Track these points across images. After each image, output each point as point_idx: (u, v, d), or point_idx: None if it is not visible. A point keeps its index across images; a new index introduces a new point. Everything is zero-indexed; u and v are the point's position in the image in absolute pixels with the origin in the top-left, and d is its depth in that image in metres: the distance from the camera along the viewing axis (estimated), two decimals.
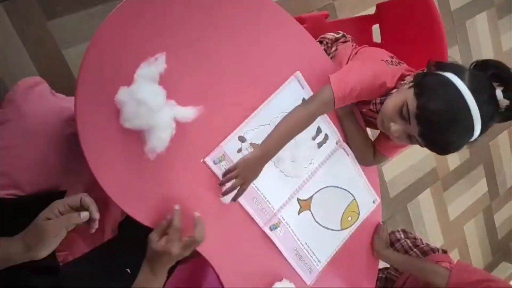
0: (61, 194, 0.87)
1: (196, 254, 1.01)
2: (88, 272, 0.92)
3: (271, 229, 1.08)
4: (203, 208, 0.97)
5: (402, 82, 1.05)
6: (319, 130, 1.13)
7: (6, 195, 0.83)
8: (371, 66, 1.05)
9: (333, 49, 1.27)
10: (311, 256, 1.16)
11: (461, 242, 2.78)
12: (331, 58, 1.24)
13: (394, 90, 1.05)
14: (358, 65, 1.09)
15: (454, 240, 2.72)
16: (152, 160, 0.87)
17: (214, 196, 0.98)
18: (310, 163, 1.13)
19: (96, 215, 0.76)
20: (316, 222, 1.17)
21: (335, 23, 1.52)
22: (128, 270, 0.95)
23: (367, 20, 1.48)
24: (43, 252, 0.73)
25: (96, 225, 0.77)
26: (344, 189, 1.20)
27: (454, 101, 0.90)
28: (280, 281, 1.10)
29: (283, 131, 1.01)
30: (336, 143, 1.17)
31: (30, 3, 1.30)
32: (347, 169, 1.20)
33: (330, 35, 1.30)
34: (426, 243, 1.45)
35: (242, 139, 1.01)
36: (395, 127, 0.98)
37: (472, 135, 0.93)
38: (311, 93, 1.08)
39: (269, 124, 1.03)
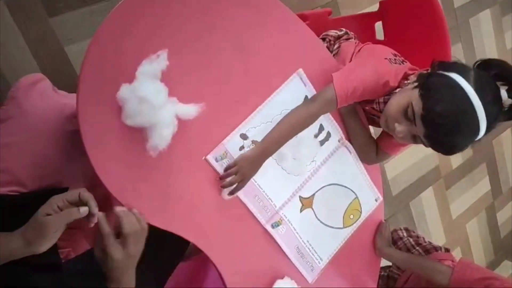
0: (63, 191, 0.87)
1: (198, 252, 1.01)
2: (90, 269, 0.92)
3: (273, 226, 1.08)
4: (205, 205, 0.97)
5: (405, 81, 1.04)
6: (321, 128, 1.13)
7: (8, 191, 0.83)
8: (374, 66, 1.05)
9: (336, 46, 1.26)
10: (313, 254, 1.16)
11: (463, 240, 2.77)
12: (333, 55, 1.23)
13: (398, 90, 1.04)
14: (361, 64, 1.09)
15: (456, 238, 2.72)
16: (154, 158, 0.87)
17: (216, 194, 0.98)
18: (312, 161, 1.13)
19: (95, 210, 0.76)
20: (318, 220, 1.16)
21: (338, 20, 1.52)
22: None
23: (370, 17, 1.47)
24: (43, 247, 0.74)
25: (95, 219, 0.77)
26: (347, 187, 1.20)
27: (460, 103, 0.90)
28: (282, 279, 1.10)
29: (283, 130, 1.01)
30: (339, 141, 1.17)
31: (32, 0, 1.30)
32: (349, 167, 1.20)
33: (333, 32, 1.30)
34: (428, 241, 1.45)
35: (244, 136, 1.00)
36: (400, 127, 0.98)
37: (477, 135, 0.93)
38: (314, 91, 1.08)
39: (271, 122, 1.03)
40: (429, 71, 1.00)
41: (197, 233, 0.97)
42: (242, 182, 0.98)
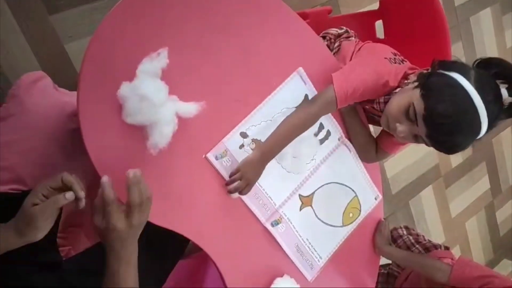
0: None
1: (197, 250, 1.01)
2: (91, 267, 0.92)
3: (272, 225, 1.08)
4: (204, 203, 0.97)
5: (405, 81, 1.04)
6: (321, 127, 1.13)
7: (9, 189, 0.84)
8: (374, 66, 1.05)
9: (336, 44, 1.26)
10: (312, 252, 1.16)
11: (462, 239, 2.78)
12: (334, 53, 1.23)
13: (398, 89, 1.04)
14: (360, 64, 1.09)
15: (456, 237, 2.72)
16: (154, 156, 0.87)
17: (215, 192, 0.99)
18: (312, 160, 1.13)
19: (80, 194, 0.74)
20: (318, 218, 1.17)
21: (338, 19, 1.52)
22: None
23: (371, 16, 1.47)
24: (38, 236, 0.73)
25: (82, 203, 0.75)
26: (346, 186, 1.20)
27: (461, 102, 0.90)
28: (281, 277, 1.10)
29: (284, 132, 1.02)
30: (338, 140, 1.17)
31: None
32: (349, 166, 1.20)
33: (333, 31, 1.30)
34: (428, 239, 1.45)
35: (244, 135, 1.00)
36: (401, 127, 0.98)
37: (479, 134, 0.94)
38: (314, 89, 1.08)
39: (271, 120, 1.03)
40: (429, 70, 1.00)
41: (197, 231, 0.97)
42: (247, 186, 0.99)
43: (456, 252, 2.69)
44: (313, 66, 1.08)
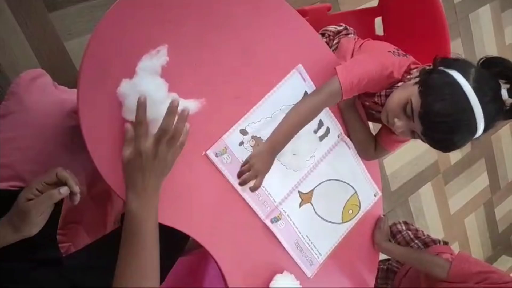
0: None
1: (197, 247, 1.01)
2: (91, 263, 0.93)
3: (272, 221, 1.09)
4: (204, 200, 0.98)
5: (408, 75, 1.04)
6: (321, 123, 1.13)
7: (9, 186, 0.84)
8: (378, 57, 1.05)
9: (335, 41, 1.26)
10: (312, 249, 1.16)
11: (461, 235, 2.79)
12: (333, 50, 1.23)
13: (400, 83, 1.05)
14: (364, 56, 1.09)
15: (455, 233, 2.73)
16: None
17: (215, 189, 0.99)
18: (312, 157, 1.14)
19: (75, 189, 0.74)
20: (317, 215, 1.17)
21: (338, 16, 1.52)
22: None
23: (370, 13, 1.47)
24: (33, 231, 0.74)
25: (77, 198, 0.75)
26: (346, 183, 1.21)
27: (458, 102, 0.90)
28: (281, 273, 1.10)
29: (290, 123, 1.02)
30: (338, 137, 1.17)
31: None
32: (348, 163, 1.20)
33: (332, 28, 1.30)
34: (427, 234, 1.46)
35: (244, 132, 1.01)
36: (399, 123, 0.99)
37: (475, 134, 0.94)
38: (313, 86, 1.08)
39: (270, 117, 1.03)
40: (431, 67, 1.00)
41: (197, 228, 0.97)
42: (258, 178, 1.00)
43: (455, 248, 2.70)
44: (312, 63, 1.08)
